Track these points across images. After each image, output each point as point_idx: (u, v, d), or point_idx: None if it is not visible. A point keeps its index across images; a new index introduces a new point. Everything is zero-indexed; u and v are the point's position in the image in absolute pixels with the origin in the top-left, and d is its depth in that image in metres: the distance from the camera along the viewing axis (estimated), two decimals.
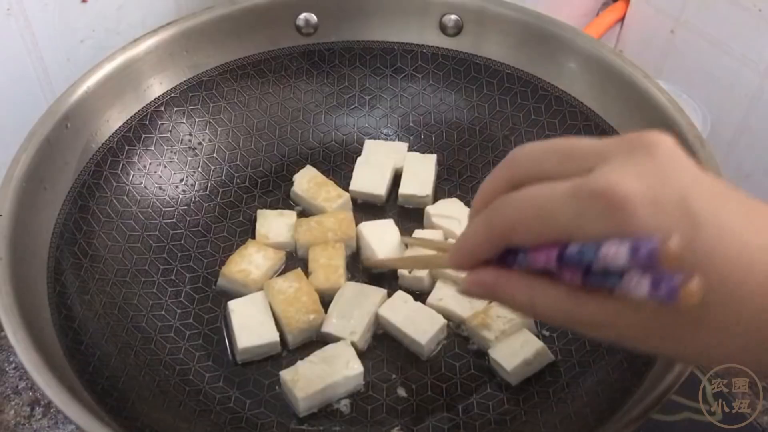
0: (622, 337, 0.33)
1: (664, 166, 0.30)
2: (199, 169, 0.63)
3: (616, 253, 0.28)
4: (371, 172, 0.64)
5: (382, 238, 0.59)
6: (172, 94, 0.62)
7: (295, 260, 0.60)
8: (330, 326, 0.54)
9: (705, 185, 0.31)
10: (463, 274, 0.56)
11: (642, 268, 0.28)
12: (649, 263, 0.27)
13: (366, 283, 0.58)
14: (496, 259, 0.35)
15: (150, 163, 0.61)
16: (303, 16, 0.65)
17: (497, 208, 0.34)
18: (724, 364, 0.34)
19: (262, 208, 0.62)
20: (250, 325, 0.54)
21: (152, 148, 0.61)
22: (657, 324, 0.31)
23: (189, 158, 0.63)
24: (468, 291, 0.37)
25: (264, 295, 0.56)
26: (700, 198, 0.30)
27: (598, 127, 0.60)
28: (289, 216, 0.61)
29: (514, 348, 0.53)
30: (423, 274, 0.57)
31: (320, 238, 0.59)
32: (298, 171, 0.64)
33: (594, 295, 0.32)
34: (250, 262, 0.58)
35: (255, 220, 0.61)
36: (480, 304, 0.56)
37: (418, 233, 0.60)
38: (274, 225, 0.60)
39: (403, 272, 0.58)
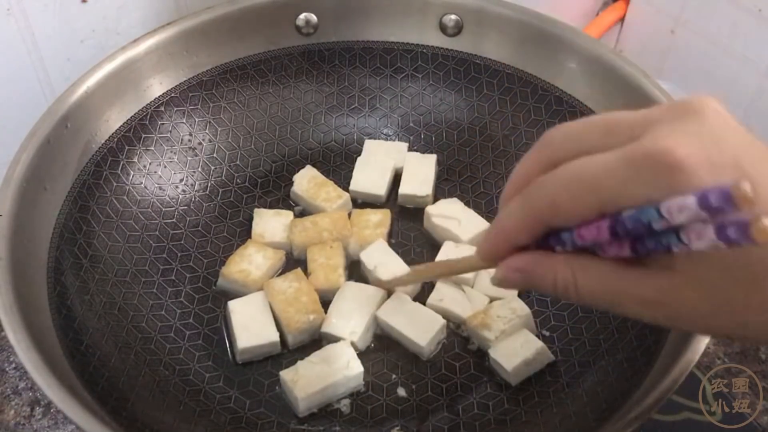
0: (673, 315, 0.31)
1: (715, 129, 0.29)
2: (199, 169, 0.63)
3: (682, 205, 0.27)
4: (371, 172, 0.64)
5: (382, 263, 0.58)
6: (172, 94, 0.62)
7: (295, 260, 0.60)
8: (330, 326, 0.54)
9: (756, 148, 0.30)
10: (469, 275, 0.57)
11: (711, 216, 0.27)
12: (722, 208, 0.26)
13: (366, 283, 0.58)
14: (534, 246, 0.34)
15: (150, 163, 0.61)
16: (303, 16, 0.65)
17: (536, 189, 0.32)
18: None
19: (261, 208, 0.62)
20: (250, 325, 0.54)
21: (152, 148, 0.61)
22: (713, 295, 0.30)
23: (189, 158, 0.63)
24: (504, 279, 0.35)
25: (264, 295, 0.56)
26: (753, 160, 0.29)
27: None
28: (286, 216, 0.61)
29: (514, 348, 0.52)
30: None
31: (316, 239, 0.59)
32: (298, 171, 0.64)
33: (644, 269, 0.31)
34: (250, 262, 0.58)
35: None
36: (480, 305, 0.56)
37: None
38: (270, 225, 0.60)
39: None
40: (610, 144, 0.30)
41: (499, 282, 0.36)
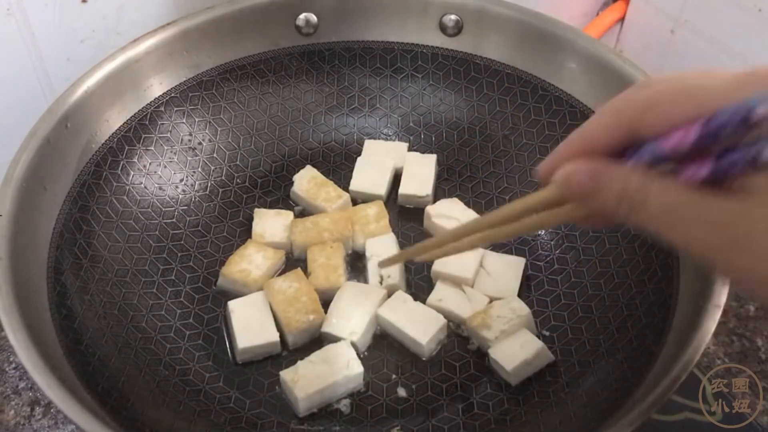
0: (739, 241, 0.29)
1: None
2: (199, 169, 0.63)
3: None
4: (371, 172, 0.64)
5: (381, 255, 0.58)
6: (172, 94, 0.62)
7: (295, 260, 0.60)
8: (330, 326, 0.54)
9: None
10: (469, 274, 0.57)
11: None
12: None
13: (366, 283, 0.58)
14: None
15: (150, 163, 0.61)
16: (303, 16, 0.65)
17: (632, 90, 0.31)
18: None
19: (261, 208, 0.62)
20: (250, 325, 0.54)
21: (152, 148, 0.61)
22: None
23: (189, 158, 0.63)
24: (568, 177, 0.33)
25: (264, 295, 0.56)
26: None
27: None
28: (286, 216, 0.61)
29: (514, 348, 0.53)
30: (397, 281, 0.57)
31: (316, 239, 0.59)
32: (298, 171, 0.64)
33: (718, 190, 0.29)
34: (250, 262, 0.58)
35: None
36: (480, 305, 0.56)
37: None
38: (270, 224, 0.60)
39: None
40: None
41: (561, 179, 0.33)
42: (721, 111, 0.28)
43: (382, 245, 0.59)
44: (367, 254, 0.58)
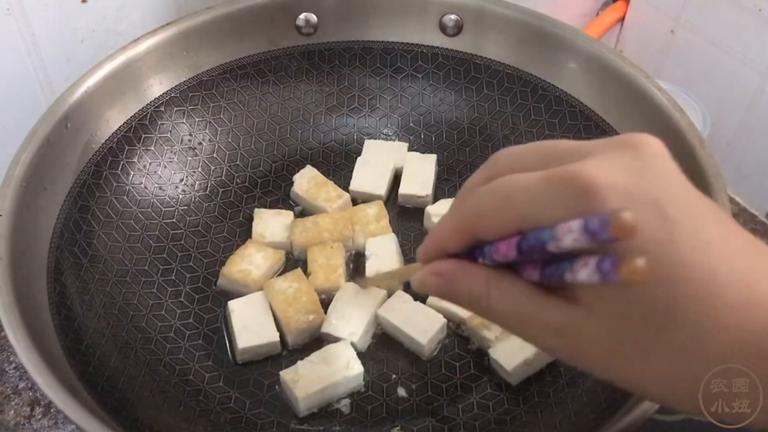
0: (574, 349, 0.31)
1: (646, 167, 0.29)
2: (199, 169, 0.63)
3: (569, 227, 0.27)
4: (371, 172, 0.64)
5: (378, 255, 0.58)
6: (172, 94, 0.62)
7: (295, 260, 0.60)
8: (330, 326, 0.54)
9: (687, 194, 0.29)
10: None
11: (593, 243, 0.26)
12: (600, 235, 0.26)
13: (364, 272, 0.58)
14: (464, 257, 0.34)
15: (150, 163, 0.61)
16: (303, 16, 0.65)
17: (468, 197, 0.33)
18: (680, 406, 0.31)
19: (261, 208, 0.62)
20: (250, 325, 0.54)
21: (152, 148, 0.61)
22: (612, 334, 0.29)
23: (189, 158, 0.63)
24: (423, 281, 0.35)
25: (264, 295, 0.56)
26: (678, 205, 0.28)
27: (598, 127, 0.60)
28: (287, 216, 0.61)
29: (514, 348, 0.53)
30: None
31: (316, 239, 0.59)
32: (298, 171, 0.64)
33: (552, 295, 0.31)
34: (250, 262, 0.58)
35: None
36: None
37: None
38: (271, 224, 0.60)
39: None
40: (546, 167, 0.30)
41: (417, 284, 0.36)
42: (527, 237, 0.30)
43: (382, 245, 0.59)
44: (367, 254, 0.58)
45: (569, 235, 0.27)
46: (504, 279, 0.32)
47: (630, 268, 0.25)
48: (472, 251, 0.34)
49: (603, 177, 0.28)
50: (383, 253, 0.58)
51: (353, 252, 0.61)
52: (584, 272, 0.27)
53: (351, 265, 0.60)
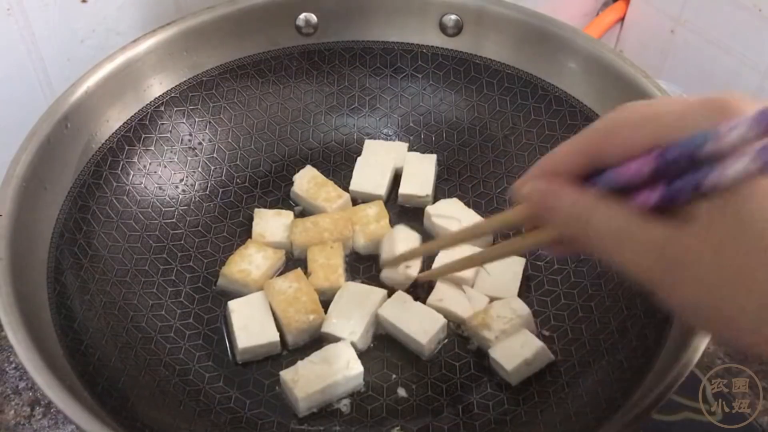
0: (668, 272, 0.30)
1: None
2: (199, 169, 0.63)
3: (736, 122, 0.28)
4: (371, 172, 0.64)
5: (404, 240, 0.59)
6: (172, 94, 0.62)
7: (295, 260, 0.60)
8: (330, 326, 0.54)
9: None
10: (469, 274, 0.57)
11: (762, 134, 0.27)
12: None
13: (366, 283, 0.58)
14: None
15: (150, 163, 0.61)
16: (303, 16, 0.65)
17: (598, 120, 0.33)
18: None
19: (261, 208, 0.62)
20: (250, 325, 0.54)
21: (152, 148, 0.61)
22: (719, 252, 0.29)
23: (189, 158, 0.63)
24: (528, 191, 0.35)
25: (264, 295, 0.56)
26: None
27: None
28: (287, 216, 0.61)
29: (514, 348, 0.52)
30: (414, 273, 0.57)
31: (316, 239, 0.59)
32: (298, 171, 0.64)
33: (659, 217, 0.31)
34: (250, 262, 0.58)
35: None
36: (480, 305, 0.56)
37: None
38: (271, 224, 0.60)
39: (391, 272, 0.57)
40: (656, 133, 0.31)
41: (521, 191, 0.36)
42: (673, 146, 0.30)
43: (400, 234, 0.59)
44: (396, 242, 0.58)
45: (735, 130, 0.28)
46: (610, 201, 0.32)
47: None
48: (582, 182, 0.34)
49: (744, 102, 0.29)
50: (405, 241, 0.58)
51: (351, 251, 0.61)
52: (738, 164, 0.28)
53: (349, 268, 0.60)
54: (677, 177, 0.30)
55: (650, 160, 0.31)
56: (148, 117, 0.61)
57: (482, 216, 0.61)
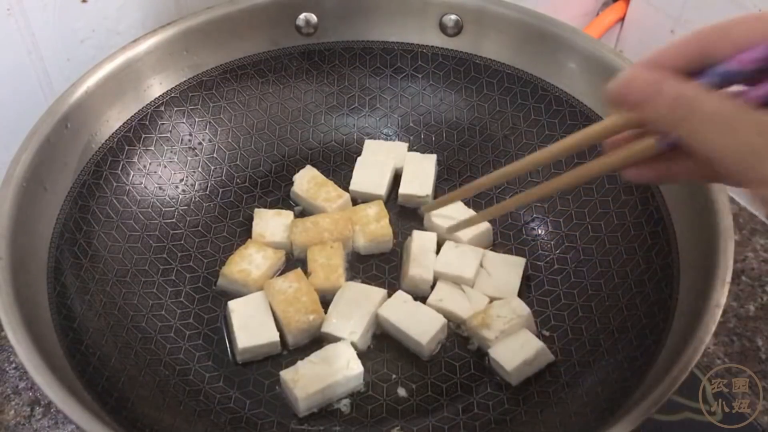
0: None
1: None
2: (199, 169, 0.63)
3: None
4: (371, 172, 0.64)
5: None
6: (172, 94, 0.62)
7: (295, 260, 0.60)
8: (330, 326, 0.54)
9: None
10: (469, 274, 0.57)
11: None
12: None
13: (366, 283, 0.58)
14: None
15: (150, 163, 0.61)
16: (303, 16, 0.65)
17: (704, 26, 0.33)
18: None
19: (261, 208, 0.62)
20: (250, 325, 0.54)
21: (152, 148, 0.61)
22: None
23: (189, 158, 0.63)
24: (630, 82, 0.34)
25: (264, 295, 0.56)
26: None
27: None
28: (287, 216, 0.61)
29: (514, 348, 0.53)
30: (429, 276, 0.57)
31: (316, 239, 0.59)
32: (298, 171, 0.64)
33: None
34: (250, 262, 0.58)
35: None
36: (480, 305, 0.56)
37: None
38: (271, 224, 0.60)
39: (413, 274, 0.58)
40: None
41: (622, 80, 0.35)
42: None
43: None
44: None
45: None
46: (718, 93, 0.32)
47: None
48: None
49: None
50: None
51: (351, 251, 0.61)
52: None
53: (349, 268, 0.60)
54: None
55: (762, 49, 0.31)
56: (148, 117, 0.61)
57: None
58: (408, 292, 0.57)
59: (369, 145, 0.66)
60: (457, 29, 0.65)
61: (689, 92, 0.32)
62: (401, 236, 0.62)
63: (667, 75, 0.33)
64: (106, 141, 0.58)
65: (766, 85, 0.32)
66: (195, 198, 0.62)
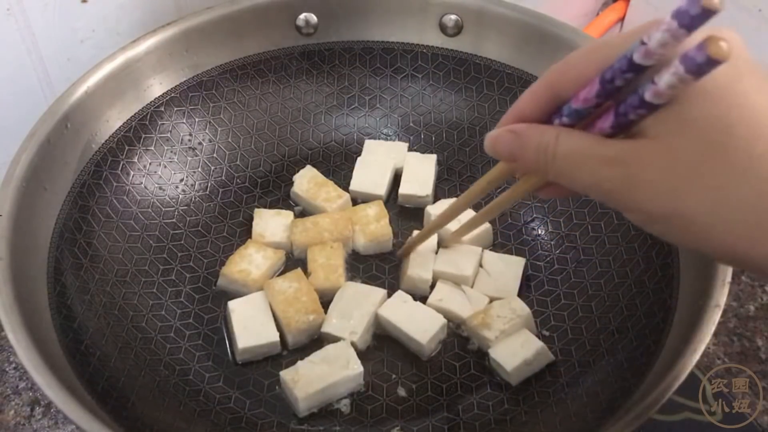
0: (627, 180, 0.32)
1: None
2: (199, 169, 0.63)
3: (659, 25, 0.29)
4: (371, 172, 0.64)
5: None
6: (172, 94, 0.62)
7: (295, 260, 0.60)
8: (330, 326, 0.54)
9: (755, 67, 0.33)
10: (469, 274, 0.57)
11: (687, 28, 0.29)
12: (694, 15, 0.28)
13: (366, 283, 0.58)
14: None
15: (150, 163, 0.61)
16: (303, 16, 0.65)
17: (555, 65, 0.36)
18: (720, 242, 0.32)
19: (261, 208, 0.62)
20: (250, 325, 0.54)
21: (152, 148, 0.61)
22: (669, 154, 0.31)
23: (189, 158, 0.63)
24: (497, 138, 0.38)
25: (264, 295, 0.56)
26: (749, 65, 0.32)
27: None
28: (286, 216, 0.61)
29: (514, 348, 0.53)
30: (428, 276, 0.57)
31: (316, 239, 0.59)
32: (298, 171, 0.64)
33: (617, 138, 0.33)
34: (250, 262, 0.58)
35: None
36: (480, 304, 0.56)
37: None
38: (271, 224, 0.60)
39: (411, 274, 0.58)
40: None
41: (490, 142, 0.39)
42: (610, 67, 0.32)
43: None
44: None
45: (655, 34, 0.30)
46: (572, 130, 0.35)
47: (715, 46, 0.28)
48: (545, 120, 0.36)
49: None
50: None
51: (351, 251, 0.61)
52: (668, 73, 0.29)
53: (349, 268, 0.60)
54: (624, 100, 0.32)
55: (595, 83, 0.33)
56: (148, 117, 0.61)
57: None
58: (407, 292, 0.57)
59: (369, 145, 0.66)
60: (457, 29, 0.65)
61: (546, 138, 0.35)
62: (401, 236, 0.62)
63: (526, 127, 0.37)
64: (106, 141, 0.58)
65: (609, 116, 0.33)
66: (195, 198, 0.62)
